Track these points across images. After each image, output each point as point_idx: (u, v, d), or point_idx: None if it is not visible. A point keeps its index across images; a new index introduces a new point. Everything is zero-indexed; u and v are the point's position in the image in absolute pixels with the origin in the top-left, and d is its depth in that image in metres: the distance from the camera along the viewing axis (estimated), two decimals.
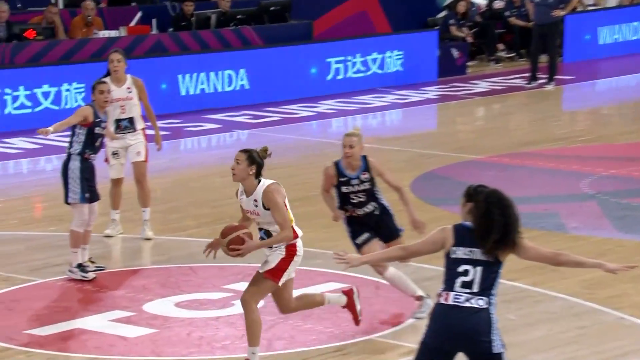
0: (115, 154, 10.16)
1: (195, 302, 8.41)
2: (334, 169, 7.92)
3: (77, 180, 8.91)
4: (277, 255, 6.92)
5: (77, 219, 8.95)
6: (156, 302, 8.40)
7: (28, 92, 15.42)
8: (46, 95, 15.59)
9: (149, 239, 10.17)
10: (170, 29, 18.05)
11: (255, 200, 6.89)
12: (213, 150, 14.84)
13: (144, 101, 10.33)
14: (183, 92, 16.90)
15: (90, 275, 8.93)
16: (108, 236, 10.15)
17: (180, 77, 16.87)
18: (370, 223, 8.00)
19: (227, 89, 17.36)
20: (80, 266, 8.92)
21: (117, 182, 10.27)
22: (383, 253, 6.28)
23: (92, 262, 9.10)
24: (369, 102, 17.85)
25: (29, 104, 15.44)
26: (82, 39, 16.64)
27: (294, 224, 6.95)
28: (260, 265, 7.05)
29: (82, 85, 15.51)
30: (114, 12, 18.21)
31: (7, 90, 15.27)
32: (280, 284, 6.95)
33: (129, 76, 10.29)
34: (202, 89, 17.11)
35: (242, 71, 17.48)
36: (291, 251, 6.95)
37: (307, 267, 9.24)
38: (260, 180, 6.94)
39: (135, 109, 10.21)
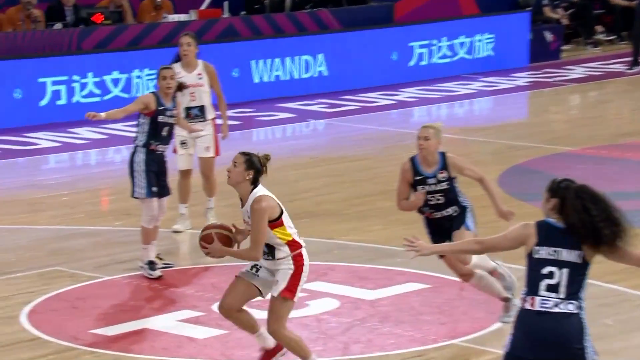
0: (183, 143, 10.25)
1: (267, 302, 8.39)
2: (409, 164, 7.76)
3: (142, 174, 8.97)
4: (286, 272, 6.79)
5: (145, 215, 9.05)
6: None
7: (97, 79, 15.67)
8: (116, 82, 15.82)
9: None
10: (243, 12, 18.18)
11: (248, 211, 6.78)
12: (287, 142, 14.89)
13: (216, 88, 10.38)
14: (256, 80, 17.01)
15: (156, 273, 9.03)
16: (176, 232, 10.26)
17: (253, 63, 16.98)
18: (447, 225, 7.83)
19: (304, 75, 17.42)
20: (151, 263, 9.03)
21: (185, 174, 10.36)
22: (457, 245, 6.17)
23: (160, 259, 9.21)
24: (454, 90, 17.74)
25: (97, 91, 15.68)
26: (150, 24, 16.85)
27: (295, 236, 6.80)
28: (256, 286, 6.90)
29: (153, 71, 15.71)
30: None
31: (75, 77, 15.53)
32: (296, 299, 6.82)
33: (200, 61, 10.35)
34: (277, 76, 17.19)
35: (320, 57, 17.52)
36: (299, 262, 6.80)
37: (386, 267, 9.25)
38: (254, 188, 6.80)
39: (205, 97, 10.26)
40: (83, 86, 15.59)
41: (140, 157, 9.02)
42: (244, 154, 6.89)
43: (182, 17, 17.11)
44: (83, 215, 11.05)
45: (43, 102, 15.32)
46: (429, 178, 7.75)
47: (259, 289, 6.91)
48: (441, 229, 7.84)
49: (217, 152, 10.45)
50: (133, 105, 9.14)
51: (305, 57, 17.41)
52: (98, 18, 16.35)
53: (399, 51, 18.30)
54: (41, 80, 15.24)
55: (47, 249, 9.88)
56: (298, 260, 6.83)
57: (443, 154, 7.79)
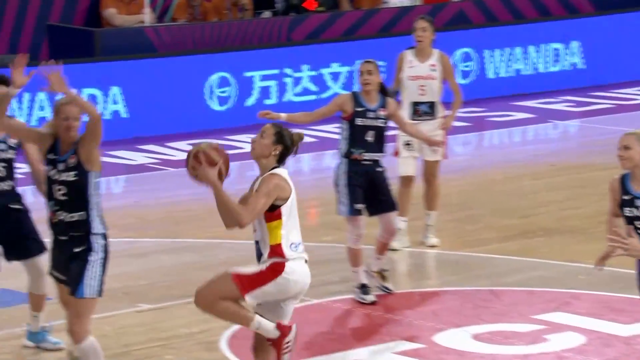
0: (408, 144, 10.23)
1: (497, 334, 8.36)
2: (617, 182, 7.17)
3: (344, 189, 8.97)
4: (259, 266, 6.70)
5: (350, 234, 9.04)
6: (449, 333, 8.42)
7: (313, 73, 15.85)
8: (335, 76, 15.96)
9: (433, 246, 10.32)
10: None
11: (258, 184, 6.72)
12: (525, 146, 14.72)
13: (451, 83, 10.37)
14: (490, 74, 16.84)
15: (369, 298, 9.04)
16: (392, 250, 10.25)
17: (487, 53, 16.82)
18: None
19: (552, 69, 17.11)
20: (363, 287, 9.05)
21: (406, 181, 10.33)
22: None
23: (383, 277, 9.17)
24: None
25: (314, 88, 15.87)
26: (369, 10, 16.97)
27: (285, 246, 6.62)
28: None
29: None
30: None
31: (287, 71, 15.78)
32: (247, 298, 6.66)
33: (436, 51, 10.34)
34: (518, 70, 16.96)
35: (574, 45, 17.14)
36: (275, 269, 6.66)
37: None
38: (276, 167, 6.71)
39: (437, 92, 10.26)
40: (296, 82, 15.82)
41: (342, 168, 9.04)
42: (275, 125, 6.84)
43: (404, 1, 17.16)
44: None
45: (250, 101, 15.64)
46: (638, 199, 7.10)
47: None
48: None
49: (444, 155, 10.39)
50: (326, 107, 9.16)
51: (554, 45, 17.07)
52: (311, 4, 16.60)
53: None
54: (248, 74, 15.55)
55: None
56: (275, 267, 6.65)
57: None
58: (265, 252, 6.72)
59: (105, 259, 7.09)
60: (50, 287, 7.77)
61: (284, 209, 6.68)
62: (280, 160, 6.79)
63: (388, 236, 9.10)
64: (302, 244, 6.78)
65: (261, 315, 6.84)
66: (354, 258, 9.06)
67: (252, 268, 6.76)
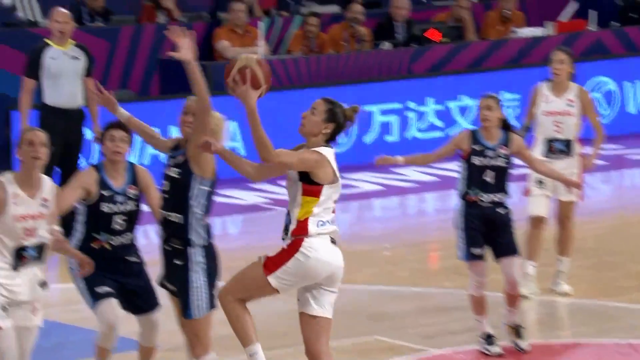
0: (540, 182, 10.09)
1: None
2: None
3: (461, 232, 8.87)
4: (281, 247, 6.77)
5: (470, 280, 8.91)
6: None
7: (439, 108, 15.76)
8: (462, 110, 15.86)
9: (565, 294, 10.14)
10: (615, 23, 17.84)
11: None
12: None
13: (592, 119, 10.27)
14: (631, 108, 16.61)
15: (495, 349, 8.88)
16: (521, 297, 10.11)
17: (627, 85, 16.60)
18: None
19: None
20: (488, 337, 8.91)
21: (537, 222, 10.17)
22: None
23: (517, 333, 8.96)
24: None
25: (439, 123, 15.78)
26: (495, 41, 16.86)
27: (311, 220, 6.64)
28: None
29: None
30: (540, 3, 18.28)
31: (411, 105, 15.72)
32: (270, 279, 6.71)
33: (574, 85, 10.23)
34: None
35: None
36: (294, 245, 6.70)
37: None
38: (326, 146, 6.73)
39: (574, 129, 10.17)
40: (420, 116, 15.75)
41: (461, 210, 8.94)
42: (327, 101, 6.80)
43: (535, 31, 17.03)
44: (407, 274, 11.13)
45: (369, 138, 15.61)
46: None
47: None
48: None
49: (581, 197, 10.24)
50: (445, 147, 9.08)
51: None
52: (434, 35, 16.52)
53: None
54: (367, 108, 15.53)
55: (365, 313, 10.01)
56: (295, 243, 6.68)
57: None
58: (292, 227, 6.77)
59: (210, 278, 7.12)
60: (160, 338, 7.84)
61: (325, 190, 6.73)
62: (331, 139, 6.82)
63: (509, 286, 8.90)
64: (330, 223, 6.78)
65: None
66: (476, 306, 8.93)
67: (278, 250, 6.87)
